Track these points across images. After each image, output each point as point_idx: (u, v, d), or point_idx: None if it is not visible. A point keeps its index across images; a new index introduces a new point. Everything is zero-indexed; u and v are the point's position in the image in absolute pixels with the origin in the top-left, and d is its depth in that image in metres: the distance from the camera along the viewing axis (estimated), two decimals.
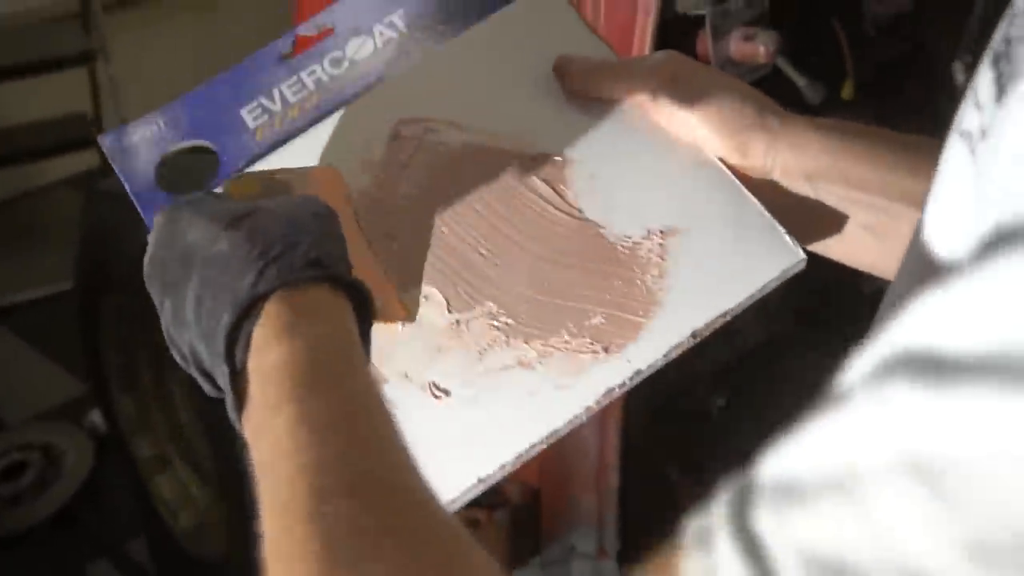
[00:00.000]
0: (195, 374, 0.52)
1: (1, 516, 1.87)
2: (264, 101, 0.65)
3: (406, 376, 0.59)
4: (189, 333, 0.51)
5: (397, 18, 0.67)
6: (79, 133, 2.50)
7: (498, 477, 0.57)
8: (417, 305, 0.60)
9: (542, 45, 0.65)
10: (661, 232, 0.60)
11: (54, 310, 2.18)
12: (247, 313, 0.49)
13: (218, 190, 0.61)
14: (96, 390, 1.82)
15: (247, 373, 0.48)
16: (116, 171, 0.64)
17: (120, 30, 2.52)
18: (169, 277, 0.53)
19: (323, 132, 0.65)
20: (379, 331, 0.58)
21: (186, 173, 0.65)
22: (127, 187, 0.63)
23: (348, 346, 0.49)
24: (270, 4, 2.65)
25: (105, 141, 0.64)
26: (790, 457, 0.30)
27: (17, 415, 2.11)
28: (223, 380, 0.50)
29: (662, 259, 0.60)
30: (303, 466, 0.43)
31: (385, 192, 0.64)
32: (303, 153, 0.64)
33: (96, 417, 1.97)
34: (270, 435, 0.45)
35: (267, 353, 0.48)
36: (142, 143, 0.64)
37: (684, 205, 0.61)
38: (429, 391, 0.59)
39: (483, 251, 0.61)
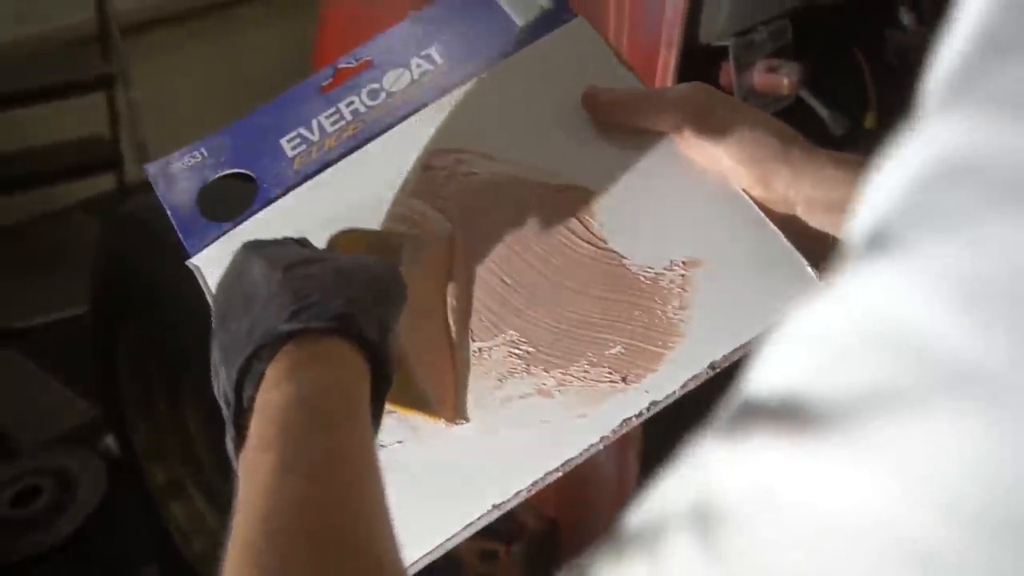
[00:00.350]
0: (223, 408, 0.53)
1: (15, 541, 1.86)
2: (303, 131, 0.67)
3: None
4: (221, 368, 0.52)
5: (434, 51, 0.68)
6: (97, 156, 2.51)
7: (513, 504, 0.57)
8: (465, 404, 0.59)
9: (574, 77, 0.66)
10: (684, 263, 0.61)
11: (69, 334, 2.18)
12: (261, 352, 0.50)
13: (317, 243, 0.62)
14: (110, 415, 1.82)
15: (254, 410, 0.49)
16: (159, 197, 0.66)
17: (138, 54, 2.54)
18: (225, 312, 0.54)
19: (357, 161, 0.66)
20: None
21: (226, 200, 0.66)
22: (169, 213, 0.65)
23: (349, 398, 0.49)
24: (289, 30, 2.66)
25: (149, 169, 0.66)
26: (635, 508, 0.30)
27: (31, 439, 2.10)
28: (229, 416, 0.50)
29: (684, 290, 0.60)
30: (274, 508, 0.43)
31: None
32: (337, 181, 0.66)
33: (110, 442, 1.97)
34: (256, 473, 0.45)
35: (271, 393, 0.49)
36: (185, 171, 0.66)
37: (707, 236, 0.61)
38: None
39: (507, 280, 0.62)
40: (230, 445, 0.51)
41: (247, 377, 0.50)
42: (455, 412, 0.59)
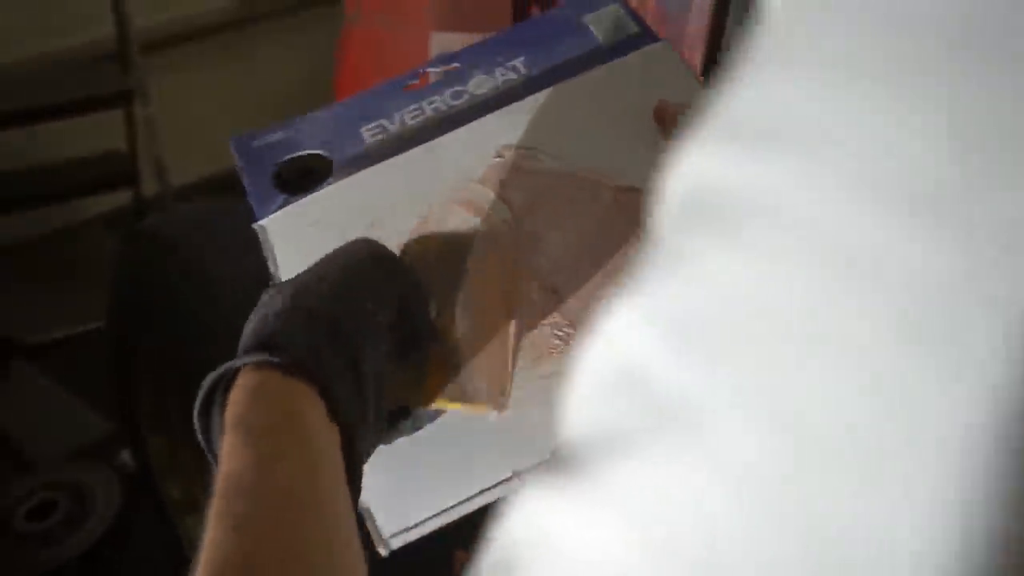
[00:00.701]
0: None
1: (30, 556, 1.86)
2: (384, 122, 0.71)
3: None
4: None
5: (519, 62, 0.72)
6: (114, 172, 2.52)
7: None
8: (509, 397, 0.61)
9: (651, 93, 0.69)
10: None
11: (85, 349, 2.18)
12: (211, 394, 0.51)
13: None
14: (126, 430, 1.82)
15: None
16: (239, 168, 0.69)
17: (157, 71, 2.55)
18: None
19: (429, 149, 0.69)
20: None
21: (301, 177, 0.70)
22: (246, 183, 0.69)
23: (294, 441, 0.49)
24: (307, 46, 2.67)
25: (233, 141, 0.70)
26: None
27: (46, 454, 2.11)
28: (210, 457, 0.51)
29: None
30: (207, 559, 0.43)
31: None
32: (407, 165, 0.69)
33: (126, 457, 1.97)
34: (207, 523, 0.46)
35: (223, 441, 0.49)
36: (266, 147, 0.70)
37: None
38: None
39: (558, 267, 0.65)
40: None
41: (211, 429, 0.51)
42: (502, 402, 0.60)
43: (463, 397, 0.58)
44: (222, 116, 2.75)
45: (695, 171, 0.25)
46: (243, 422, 0.48)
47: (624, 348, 0.25)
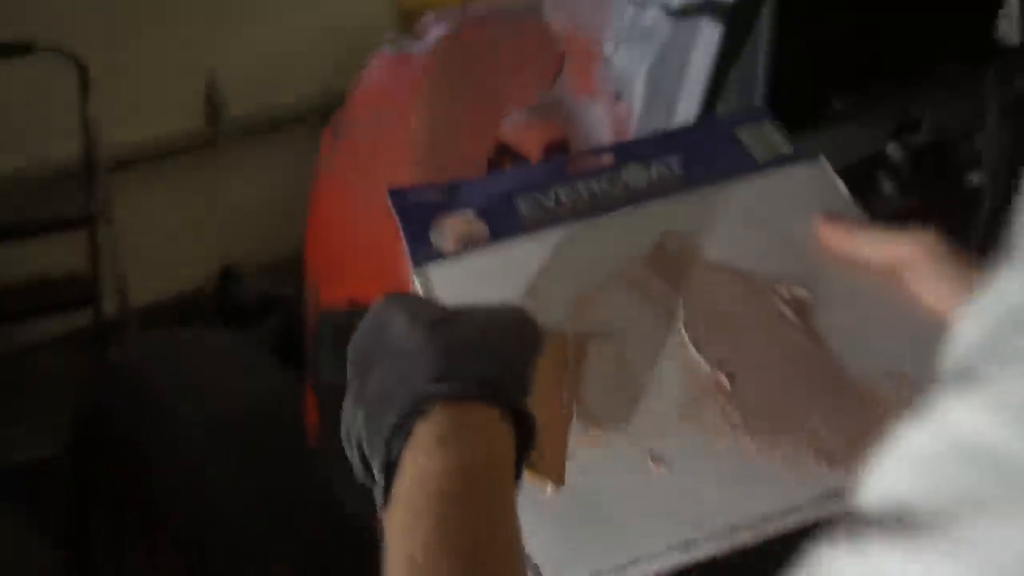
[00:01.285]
0: (353, 456, 0.56)
1: None
2: (539, 196, 0.73)
3: (628, 437, 0.64)
4: (361, 415, 0.55)
5: (674, 161, 0.75)
6: (75, 292, 2.49)
7: (704, 551, 0.59)
8: (564, 470, 0.62)
9: (805, 205, 0.72)
10: (900, 375, 0.65)
11: (39, 476, 2.13)
12: (414, 412, 0.53)
13: None
14: (79, 565, 1.77)
15: (402, 469, 0.52)
16: (395, 217, 0.71)
17: (122, 188, 2.54)
18: (363, 359, 0.58)
19: (588, 228, 0.72)
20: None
21: (457, 237, 0.72)
22: (403, 232, 0.70)
23: (497, 473, 0.53)
24: (274, 170, 2.69)
25: (391, 194, 0.72)
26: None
27: None
28: (378, 468, 0.53)
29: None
30: None
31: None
32: (568, 239, 0.71)
33: None
34: (404, 541, 0.48)
35: (423, 457, 0.51)
36: (423, 204, 0.72)
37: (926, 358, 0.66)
38: (648, 456, 0.63)
39: (721, 354, 0.67)
40: (379, 500, 0.53)
41: (398, 435, 0.52)
42: (561, 477, 0.61)
43: (528, 465, 0.59)
44: (186, 237, 2.74)
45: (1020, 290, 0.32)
46: (448, 443, 0.51)
47: (962, 429, 0.31)
